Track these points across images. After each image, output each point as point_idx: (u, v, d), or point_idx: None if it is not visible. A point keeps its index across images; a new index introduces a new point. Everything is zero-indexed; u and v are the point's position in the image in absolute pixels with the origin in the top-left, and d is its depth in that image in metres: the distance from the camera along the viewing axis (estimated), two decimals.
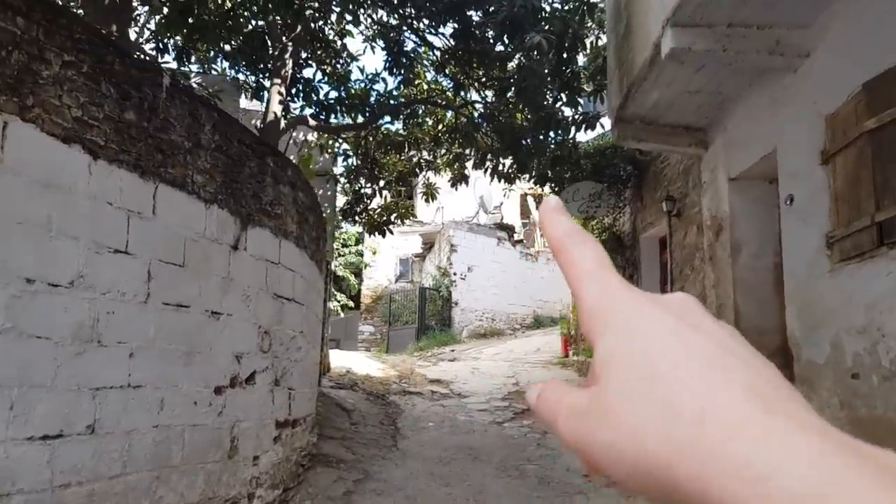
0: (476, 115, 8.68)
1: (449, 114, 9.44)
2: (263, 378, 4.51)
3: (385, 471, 5.81)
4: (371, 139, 9.79)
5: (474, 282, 18.43)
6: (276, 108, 6.66)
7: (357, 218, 9.95)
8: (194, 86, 8.21)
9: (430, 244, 20.80)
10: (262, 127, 6.89)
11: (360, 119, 9.73)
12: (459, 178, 10.18)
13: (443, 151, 9.97)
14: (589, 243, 0.36)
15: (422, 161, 10.06)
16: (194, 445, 3.83)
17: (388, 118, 8.91)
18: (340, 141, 9.90)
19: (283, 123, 6.93)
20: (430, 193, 10.83)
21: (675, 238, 8.31)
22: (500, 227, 19.95)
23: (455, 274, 18.08)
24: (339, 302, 21.56)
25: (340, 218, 10.22)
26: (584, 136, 12.11)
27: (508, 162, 9.17)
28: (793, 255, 5.61)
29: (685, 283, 7.99)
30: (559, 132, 8.32)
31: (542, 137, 8.18)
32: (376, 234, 10.16)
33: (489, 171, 9.43)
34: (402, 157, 10.16)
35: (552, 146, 8.46)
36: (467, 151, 9.61)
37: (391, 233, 10.31)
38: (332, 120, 8.92)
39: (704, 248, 7.39)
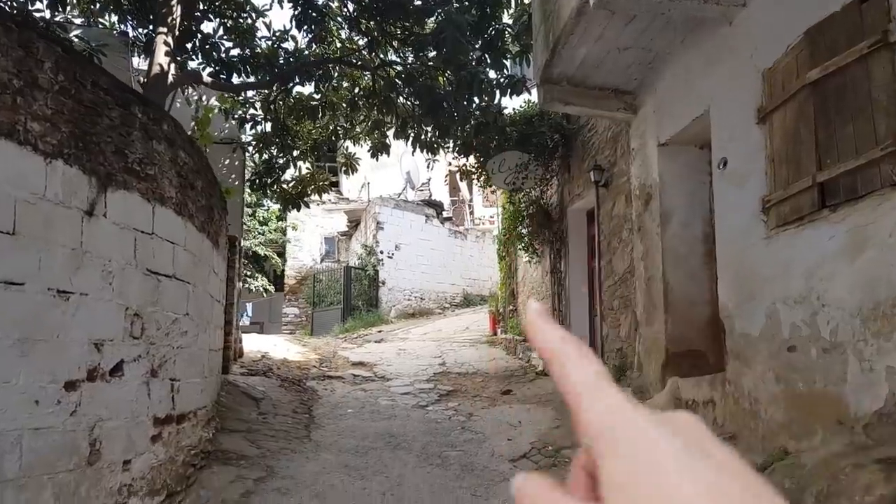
0: (394, 76, 8.05)
1: (367, 77, 8.76)
2: (135, 368, 3.81)
3: (293, 466, 5.22)
4: (282, 104, 9.00)
5: (402, 260, 17.87)
6: (162, 59, 5.83)
7: (269, 190, 9.16)
8: (74, 40, 7.20)
9: (357, 222, 20.06)
10: (146, 82, 6.04)
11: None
12: (380, 148, 9.55)
13: (361, 118, 9.28)
14: (585, 354, 0.37)
15: (338, 129, 9.34)
16: (37, 453, 3.13)
17: (298, 80, 8.14)
18: (247, 105, 9.05)
19: (170, 79, 6.09)
20: (350, 165, 10.16)
21: (604, 209, 7.99)
22: (429, 203, 19.42)
23: (382, 252, 17.45)
24: (260, 283, 20.56)
25: (249, 191, 9.38)
26: (510, 103, 11.66)
27: (431, 129, 8.61)
28: (725, 222, 5.32)
29: (613, 255, 7.70)
30: (483, 97, 7.81)
31: (464, 102, 7.65)
32: (290, 208, 9.42)
33: (411, 139, 8.84)
34: (318, 125, 9.41)
35: (476, 112, 7.94)
36: (387, 119, 8.98)
37: (307, 206, 9.59)
38: (236, 81, 8.08)
39: (633, 218, 7.09)
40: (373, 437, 6.28)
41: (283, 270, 21.59)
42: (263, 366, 9.14)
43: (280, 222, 21.45)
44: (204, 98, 9.41)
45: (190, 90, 7.74)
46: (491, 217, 24.66)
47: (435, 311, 18.32)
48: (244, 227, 20.70)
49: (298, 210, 9.54)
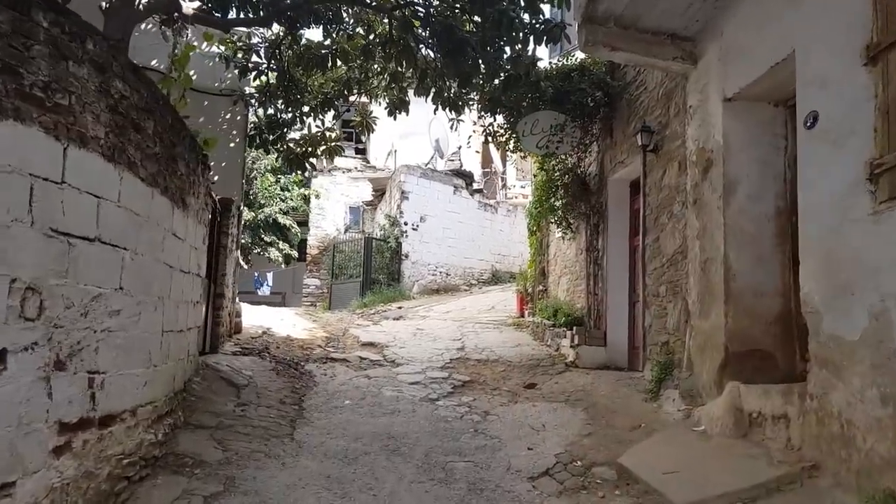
0: (411, 16, 6.92)
1: (384, 22, 7.64)
2: (26, 360, 2.88)
3: (262, 476, 4.29)
4: (290, 52, 7.96)
5: (427, 233, 16.84)
6: None
7: (271, 147, 8.17)
8: None
9: (382, 191, 19.08)
10: (108, 7, 5.06)
11: (274, 27, 7.89)
12: (398, 105, 8.47)
13: (376, 69, 8.19)
14: None
15: (352, 82, 8.27)
16: None
17: (303, 22, 7.07)
18: (250, 52, 8.02)
19: (140, 3, 5.10)
20: (366, 123, 9.12)
21: (651, 178, 6.80)
22: (458, 174, 18.29)
23: (406, 224, 16.45)
24: (280, 252, 19.82)
25: (250, 148, 8.41)
26: (545, 56, 10.29)
27: (452, 81, 7.48)
28: (812, 193, 4.13)
29: (661, 232, 6.53)
30: (515, 44, 6.64)
31: (492, 48, 6.49)
32: (295, 169, 8.43)
33: (431, 94, 7.73)
34: (328, 77, 8.36)
35: (505, 63, 6.78)
36: (406, 71, 7.88)
37: (313, 168, 8.62)
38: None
39: (688, 189, 5.91)
40: (368, 437, 5.32)
41: (306, 240, 20.81)
42: (261, 344, 8.27)
43: (303, 189, 20.58)
44: (197, 40, 8.43)
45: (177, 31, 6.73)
46: (524, 192, 23.42)
47: (461, 287, 17.31)
48: (265, 192, 19.98)
49: (303, 171, 8.56)
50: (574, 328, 8.01)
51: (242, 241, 19.09)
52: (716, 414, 5.03)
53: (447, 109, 8.00)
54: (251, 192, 20.06)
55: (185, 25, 6.40)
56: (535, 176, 10.41)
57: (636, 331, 7.63)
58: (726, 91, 5.25)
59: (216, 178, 8.33)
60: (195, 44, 8.48)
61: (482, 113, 8.16)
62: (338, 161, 20.89)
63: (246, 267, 21.15)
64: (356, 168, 20.73)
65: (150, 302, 4.12)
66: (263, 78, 8.16)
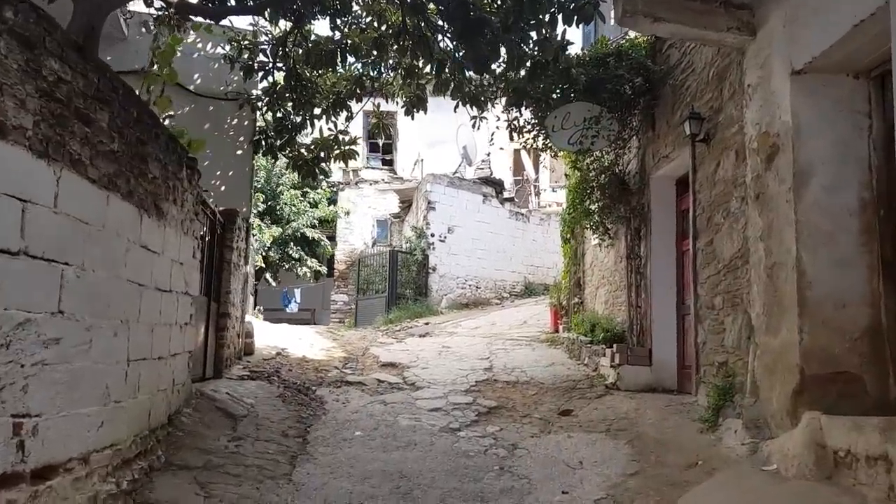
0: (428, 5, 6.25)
1: (396, 9, 6.99)
2: None
3: None
4: (299, 49, 7.36)
5: (456, 244, 16.11)
6: None
7: (278, 153, 7.55)
8: None
9: (409, 203, 18.44)
10: None
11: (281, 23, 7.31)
12: (415, 103, 7.79)
13: (390, 63, 7.52)
14: None
15: (364, 79, 7.62)
16: None
17: (306, 9, 6.45)
18: (255, 51, 7.44)
19: None
20: (383, 125, 8.47)
21: (702, 173, 5.95)
22: (487, 181, 17.54)
23: (433, 235, 15.74)
24: (309, 267, 19.33)
25: (256, 154, 7.81)
26: (577, 42, 9.44)
27: (469, 67, 6.77)
28: None
29: (716, 234, 5.67)
30: (541, 27, 5.91)
31: (515, 29, 5.76)
32: (306, 176, 7.81)
33: (450, 90, 7.04)
34: (340, 76, 7.74)
35: (531, 47, 6.04)
36: (423, 66, 7.22)
37: (325, 175, 8.00)
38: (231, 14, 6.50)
39: (748, 182, 5.06)
40: (378, 477, 4.59)
41: (334, 255, 20.30)
42: (272, 367, 7.63)
43: (332, 206, 20.09)
44: (202, 41, 7.92)
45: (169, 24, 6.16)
46: (558, 199, 22.54)
47: (492, 300, 16.50)
48: (293, 207, 19.52)
49: (314, 179, 7.94)
50: (614, 345, 7.16)
51: (271, 257, 18.71)
52: (791, 450, 4.15)
53: (468, 105, 7.30)
54: (278, 208, 19.68)
55: (173, 16, 5.81)
56: (567, 177, 9.61)
57: (686, 348, 6.74)
58: (794, 62, 4.41)
59: (222, 187, 7.77)
60: (198, 42, 8.02)
61: (507, 108, 7.40)
62: (364, 173, 20.44)
63: (274, 284, 20.75)
64: (383, 180, 20.18)
65: (107, 327, 3.47)
66: (271, 79, 7.58)
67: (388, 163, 20.63)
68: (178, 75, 5.23)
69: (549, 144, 7.69)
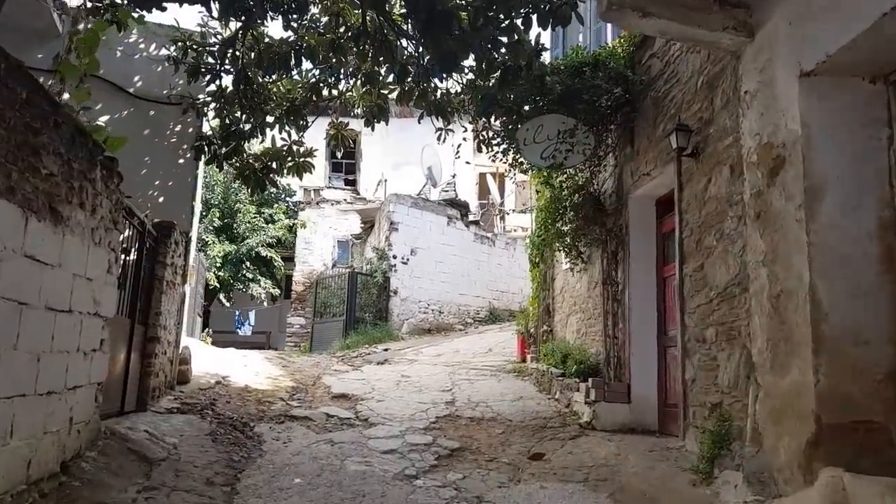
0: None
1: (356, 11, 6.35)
2: None
3: None
4: (249, 51, 6.64)
5: (419, 267, 15.41)
6: None
7: (224, 161, 6.75)
8: None
9: (371, 224, 17.70)
10: None
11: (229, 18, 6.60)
12: (376, 113, 7.12)
13: (349, 68, 6.85)
14: None
15: (321, 86, 6.92)
16: None
17: (256, 5, 5.75)
18: (201, 51, 6.69)
19: None
20: (341, 138, 7.75)
21: (690, 190, 5.41)
22: (452, 203, 16.95)
23: (395, 257, 15.02)
24: (263, 288, 18.36)
25: (197, 162, 6.98)
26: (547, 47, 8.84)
27: (442, 86, 6.20)
28: None
29: (706, 258, 5.11)
30: (512, 32, 5.32)
31: (482, 27, 5.17)
32: (253, 189, 7.03)
33: (414, 97, 6.42)
34: (295, 83, 7.04)
35: (502, 49, 5.45)
36: (385, 73, 6.57)
37: (275, 186, 7.19)
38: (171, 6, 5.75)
39: (746, 199, 4.51)
40: None
41: (291, 276, 19.38)
42: (208, 398, 6.75)
43: (289, 220, 19.20)
44: (145, 42, 7.16)
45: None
46: (524, 224, 22.11)
47: (455, 326, 15.78)
48: (248, 224, 18.58)
49: (262, 191, 7.14)
50: (589, 380, 6.52)
51: (222, 276, 17.67)
52: None
53: (433, 116, 6.67)
54: (234, 225, 18.72)
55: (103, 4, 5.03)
56: (536, 196, 9.04)
57: (670, 385, 6.15)
58: (804, 63, 3.90)
59: (161, 198, 6.96)
60: (141, 43, 7.25)
61: (475, 118, 6.78)
62: (326, 193, 19.65)
63: (228, 305, 19.66)
64: (345, 200, 19.42)
65: None
66: (219, 82, 6.83)
67: (351, 183, 19.90)
68: (99, 65, 4.46)
69: (520, 159, 7.10)
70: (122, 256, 4.98)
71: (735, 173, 4.74)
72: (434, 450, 5.65)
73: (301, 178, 7.75)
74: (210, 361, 8.73)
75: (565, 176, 7.33)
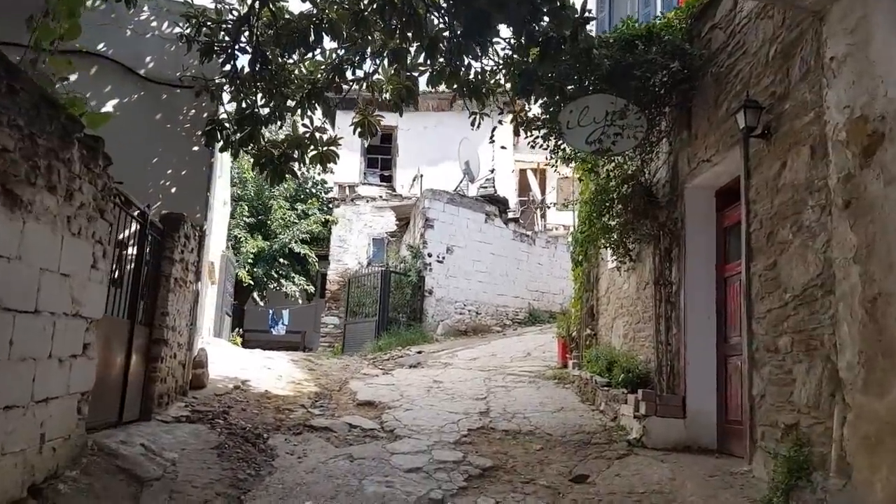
0: None
1: None
2: None
3: None
4: (267, 30, 6.17)
5: (455, 266, 14.82)
6: None
7: (240, 148, 6.30)
8: None
9: (407, 221, 17.20)
10: None
11: None
12: (405, 97, 6.54)
13: (377, 45, 6.30)
14: None
15: (345, 67, 6.39)
16: None
17: None
18: (216, 28, 6.25)
19: None
20: (368, 124, 7.22)
21: (760, 177, 4.68)
22: (490, 200, 16.29)
23: (430, 255, 14.46)
24: (297, 285, 18.07)
25: (208, 147, 6.52)
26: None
27: (477, 65, 5.61)
28: None
29: (780, 255, 4.38)
30: None
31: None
32: (272, 177, 6.54)
33: (446, 76, 5.82)
34: (318, 62, 6.54)
35: (542, 17, 4.82)
36: (411, 46, 6.00)
37: (294, 176, 6.69)
38: None
39: (832, 185, 3.79)
40: None
41: (326, 274, 19.06)
42: (222, 405, 6.31)
43: (323, 215, 18.88)
44: (157, 19, 6.76)
45: None
46: (565, 223, 21.32)
47: (493, 328, 15.14)
48: (280, 221, 18.31)
49: (281, 181, 6.65)
50: (639, 391, 5.83)
51: (255, 273, 17.44)
52: None
53: (467, 98, 6.07)
54: (268, 222, 18.50)
55: None
56: (580, 185, 8.34)
57: (731, 399, 5.42)
58: None
59: (173, 189, 6.55)
60: (152, 21, 6.87)
61: (513, 98, 6.13)
62: (361, 189, 19.25)
63: (261, 304, 19.46)
64: (381, 197, 18.98)
65: None
66: (235, 62, 6.37)
67: (387, 179, 19.44)
68: (80, 30, 4.00)
69: (562, 145, 6.44)
70: (119, 251, 4.54)
71: (817, 155, 4.01)
72: (464, 468, 5.06)
73: (325, 169, 7.25)
74: (231, 364, 8.33)
75: (613, 164, 6.64)
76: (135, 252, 4.89)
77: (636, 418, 5.73)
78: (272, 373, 8.44)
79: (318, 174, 20.39)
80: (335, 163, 7.09)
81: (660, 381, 5.97)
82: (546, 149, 6.50)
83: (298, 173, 6.88)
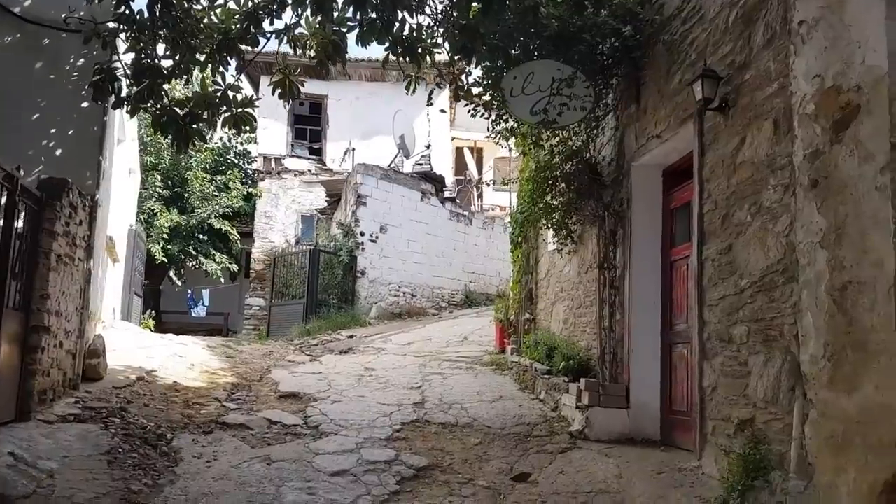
0: None
1: None
2: None
3: None
4: None
5: (389, 246, 14.28)
6: None
7: (136, 105, 5.50)
8: None
9: (338, 197, 16.46)
10: None
11: None
12: (331, 53, 5.89)
13: None
14: None
15: (260, 14, 5.68)
16: None
17: None
18: None
19: None
20: (289, 84, 6.52)
21: (714, 154, 4.37)
22: (427, 177, 15.79)
23: (363, 234, 13.85)
24: (218, 263, 17.05)
25: (96, 102, 5.66)
26: None
27: (410, 20, 5.05)
28: None
29: (735, 239, 4.08)
30: None
31: None
32: (175, 141, 5.78)
33: (377, 32, 5.24)
34: (231, 11, 5.79)
35: None
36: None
37: (203, 140, 5.94)
38: None
39: (797, 162, 3.49)
40: None
41: (250, 253, 18.10)
42: (120, 400, 5.60)
43: (248, 188, 17.79)
44: None
45: None
46: (502, 204, 21.07)
47: (429, 311, 14.73)
48: (199, 193, 17.10)
49: (187, 147, 5.88)
50: (582, 380, 5.51)
51: (170, 249, 16.27)
52: None
53: (400, 58, 5.50)
54: (185, 195, 17.29)
55: None
56: (521, 160, 7.96)
57: (676, 388, 5.17)
58: None
59: (58, 151, 5.70)
60: None
61: (452, 57, 5.58)
62: (288, 162, 18.28)
63: (179, 284, 18.30)
64: (310, 171, 18.11)
65: None
66: (132, 4, 5.53)
67: (317, 152, 18.53)
68: None
69: (504, 115, 5.98)
70: None
71: (780, 130, 3.70)
72: (396, 469, 4.59)
73: (239, 132, 6.55)
74: (137, 352, 7.55)
75: (557, 139, 6.24)
76: (0, 224, 4.10)
77: (578, 409, 5.41)
78: (184, 361, 7.71)
79: (241, 143, 19.25)
80: (252, 127, 6.40)
81: (602, 370, 5.67)
82: (487, 118, 6.03)
83: (209, 137, 6.13)
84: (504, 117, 6.03)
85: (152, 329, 13.23)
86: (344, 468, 4.56)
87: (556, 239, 6.84)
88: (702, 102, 4.26)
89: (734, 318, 4.01)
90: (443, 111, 14.28)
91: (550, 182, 6.37)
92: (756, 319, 3.79)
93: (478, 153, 22.85)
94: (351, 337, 11.21)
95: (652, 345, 5.41)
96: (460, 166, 21.67)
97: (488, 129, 6.39)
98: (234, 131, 6.20)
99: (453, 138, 20.84)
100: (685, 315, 5.11)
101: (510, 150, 9.18)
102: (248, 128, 6.17)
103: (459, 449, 5.12)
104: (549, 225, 6.71)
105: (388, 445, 5.09)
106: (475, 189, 20.55)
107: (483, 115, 6.00)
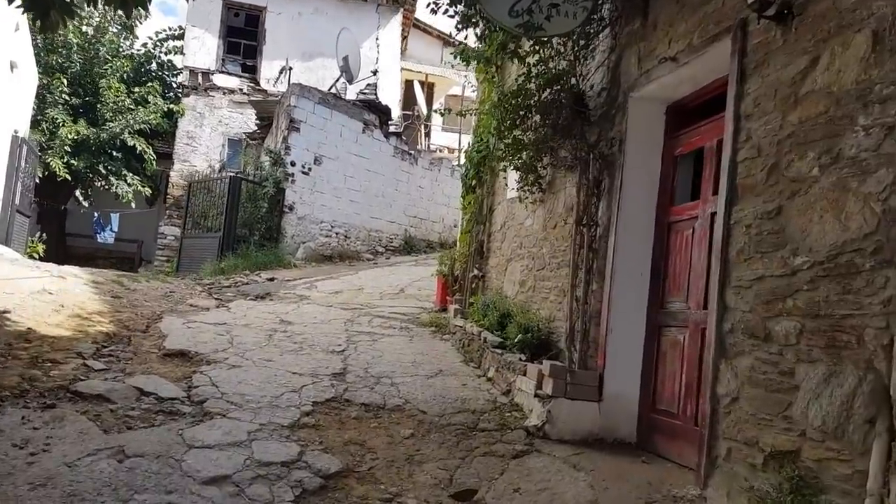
0: None
1: None
2: None
3: None
4: None
5: (323, 180, 12.79)
6: None
7: None
8: None
9: (270, 121, 14.71)
10: None
11: None
12: None
13: None
14: None
15: None
16: None
17: None
18: None
19: None
20: None
21: (764, 81, 3.19)
22: (371, 107, 14.21)
23: (293, 164, 12.29)
24: (130, 185, 15.16)
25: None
26: None
27: None
28: None
29: (786, 201, 2.96)
30: None
31: None
32: (40, 19, 4.19)
33: None
34: None
35: None
36: None
37: (69, 16, 4.37)
38: None
39: None
40: None
41: (169, 176, 16.22)
42: None
43: (169, 104, 15.73)
44: None
45: None
46: (451, 146, 19.70)
47: (363, 255, 13.45)
48: (113, 105, 14.93)
49: (55, 28, 4.23)
50: (545, 363, 4.42)
51: (76, 165, 14.23)
52: None
53: None
54: (98, 106, 15.15)
55: None
56: (481, 88, 6.69)
57: (663, 381, 4.14)
58: None
59: None
60: None
61: None
62: (217, 79, 16.25)
63: (86, 205, 16.25)
64: (241, 90, 16.22)
65: None
66: None
67: (250, 70, 16.58)
68: None
69: (475, 18, 4.63)
70: None
71: (883, 45, 2.55)
72: (297, 477, 3.39)
73: (128, 14, 4.96)
74: (13, 279, 5.99)
75: (537, 57, 4.94)
76: None
77: (538, 398, 4.34)
78: (52, 300, 6.19)
79: (164, 54, 17.09)
80: (145, 8, 4.81)
81: (571, 351, 4.58)
82: (453, 17, 4.66)
83: (76, 11, 4.51)
84: (472, 19, 4.67)
85: (40, 255, 11.46)
86: (224, 473, 3.32)
87: (520, 185, 5.64)
88: (758, 5, 3.06)
89: (776, 309, 2.93)
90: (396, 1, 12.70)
91: (522, 113, 5.11)
92: (815, 315, 2.72)
93: (429, 88, 21.27)
94: (271, 280, 9.85)
95: (636, 325, 4.35)
96: (409, 101, 20.09)
97: (451, 37, 5.02)
98: (119, 10, 4.64)
99: (403, 69, 19.17)
100: (685, 292, 4.05)
101: (466, 83, 7.84)
102: (141, 8, 4.61)
103: (385, 444, 3.97)
104: (515, 166, 5.49)
105: (292, 437, 3.88)
106: (423, 127, 19.08)
107: (448, 13, 4.62)
